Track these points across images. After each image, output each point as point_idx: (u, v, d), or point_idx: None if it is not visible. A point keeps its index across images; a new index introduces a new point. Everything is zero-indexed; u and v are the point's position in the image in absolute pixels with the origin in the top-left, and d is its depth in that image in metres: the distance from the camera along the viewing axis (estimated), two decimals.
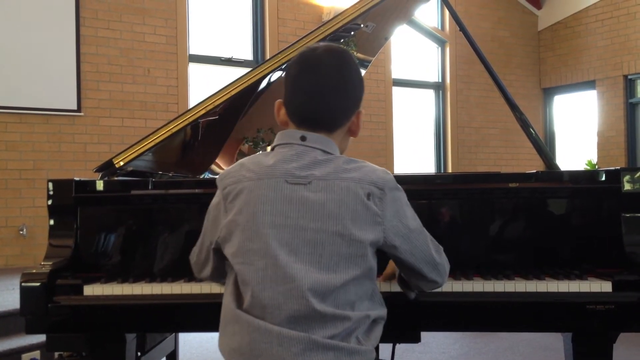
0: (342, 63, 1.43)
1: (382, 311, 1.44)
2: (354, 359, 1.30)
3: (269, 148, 1.52)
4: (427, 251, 1.46)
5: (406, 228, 1.41)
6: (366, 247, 1.35)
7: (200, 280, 1.75)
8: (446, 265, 1.53)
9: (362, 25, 2.65)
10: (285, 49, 2.24)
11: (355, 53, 2.95)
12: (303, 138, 1.39)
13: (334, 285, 1.30)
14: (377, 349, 1.90)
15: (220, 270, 1.52)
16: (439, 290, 1.79)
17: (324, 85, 1.40)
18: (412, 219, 1.44)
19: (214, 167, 2.86)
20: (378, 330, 1.41)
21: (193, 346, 4.13)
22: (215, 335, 1.43)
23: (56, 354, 2.80)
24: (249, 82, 2.22)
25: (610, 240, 1.89)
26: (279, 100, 1.47)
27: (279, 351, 1.27)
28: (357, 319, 1.33)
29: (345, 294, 1.33)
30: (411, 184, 2.02)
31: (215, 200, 1.44)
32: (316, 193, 1.33)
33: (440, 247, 1.53)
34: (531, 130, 2.33)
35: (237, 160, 2.40)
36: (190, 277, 1.76)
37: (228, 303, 1.38)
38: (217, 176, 1.49)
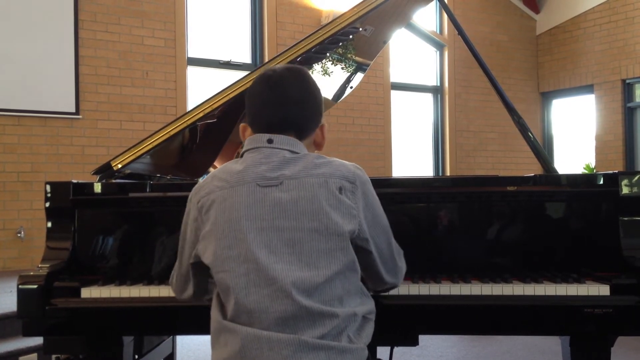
0: (302, 78, 1.50)
1: (370, 305, 1.45)
2: (346, 358, 1.30)
3: None
4: (389, 250, 1.50)
5: (376, 222, 1.45)
6: (346, 239, 1.37)
7: None
8: (404, 269, 1.57)
9: (360, 29, 2.65)
10: (283, 52, 2.24)
11: (353, 56, 2.95)
12: (270, 141, 1.43)
13: (317, 281, 1.32)
14: (375, 351, 1.90)
15: (203, 287, 1.53)
16: (437, 293, 1.79)
17: (288, 97, 1.46)
18: (382, 216, 1.48)
19: (212, 169, 2.86)
20: (369, 328, 1.42)
21: (191, 349, 4.13)
22: None
23: (53, 357, 2.79)
24: (248, 85, 2.21)
25: (608, 244, 1.89)
26: (243, 124, 1.53)
27: (269, 356, 1.27)
28: (345, 316, 1.34)
29: (332, 289, 1.34)
30: (410, 187, 2.03)
31: (190, 216, 1.45)
32: (289, 192, 1.35)
33: (401, 250, 1.56)
34: (529, 134, 2.33)
35: None
36: None
37: (215, 316, 1.39)
38: None
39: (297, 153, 1.42)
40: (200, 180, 1.72)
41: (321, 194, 1.35)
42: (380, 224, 1.47)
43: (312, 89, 1.51)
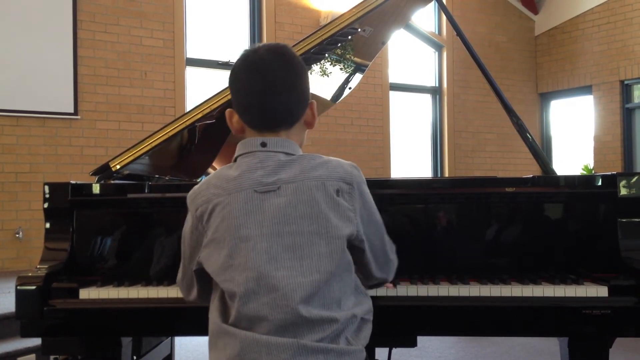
0: (285, 59, 1.44)
1: (367, 304, 1.44)
2: None
3: None
4: (382, 247, 1.49)
5: (370, 220, 1.44)
6: (344, 242, 1.36)
7: None
8: (395, 264, 1.56)
9: (359, 30, 2.65)
10: None
11: (352, 57, 2.95)
12: (263, 144, 1.40)
13: (317, 286, 1.31)
14: (373, 352, 1.90)
15: (207, 291, 1.51)
16: (435, 294, 1.79)
17: (272, 84, 1.41)
18: (376, 213, 1.47)
19: (210, 170, 2.86)
20: (367, 329, 1.41)
21: (189, 350, 4.13)
22: None
23: (52, 358, 2.79)
24: None
25: (607, 245, 1.89)
26: (229, 109, 1.48)
27: (268, 359, 1.27)
28: (344, 319, 1.33)
29: (330, 292, 1.33)
30: (408, 188, 2.03)
31: (189, 224, 1.43)
32: (287, 197, 1.34)
33: (394, 246, 1.55)
34: (528, 135, 2.33)
35: None
36: None
37: (214, 318, 1.38)
38: None
39: (292, 155, 1.40)
40: (199, 181, 1.71)
41: (319, 196, 1.34)
42: (375, 221, 1.46)
43: (298, 70, 1.45)
